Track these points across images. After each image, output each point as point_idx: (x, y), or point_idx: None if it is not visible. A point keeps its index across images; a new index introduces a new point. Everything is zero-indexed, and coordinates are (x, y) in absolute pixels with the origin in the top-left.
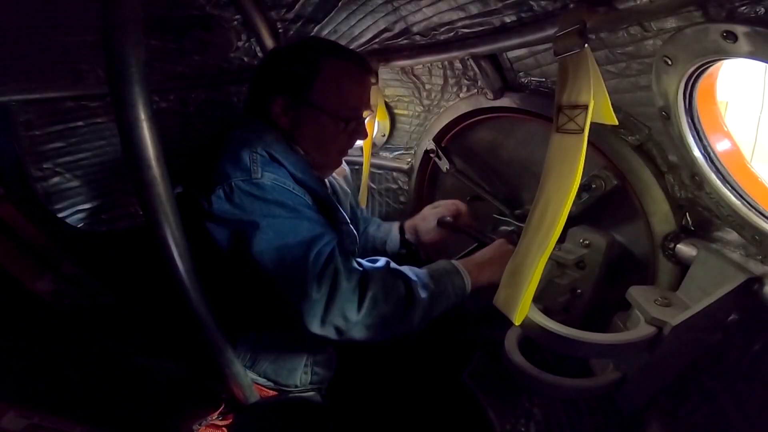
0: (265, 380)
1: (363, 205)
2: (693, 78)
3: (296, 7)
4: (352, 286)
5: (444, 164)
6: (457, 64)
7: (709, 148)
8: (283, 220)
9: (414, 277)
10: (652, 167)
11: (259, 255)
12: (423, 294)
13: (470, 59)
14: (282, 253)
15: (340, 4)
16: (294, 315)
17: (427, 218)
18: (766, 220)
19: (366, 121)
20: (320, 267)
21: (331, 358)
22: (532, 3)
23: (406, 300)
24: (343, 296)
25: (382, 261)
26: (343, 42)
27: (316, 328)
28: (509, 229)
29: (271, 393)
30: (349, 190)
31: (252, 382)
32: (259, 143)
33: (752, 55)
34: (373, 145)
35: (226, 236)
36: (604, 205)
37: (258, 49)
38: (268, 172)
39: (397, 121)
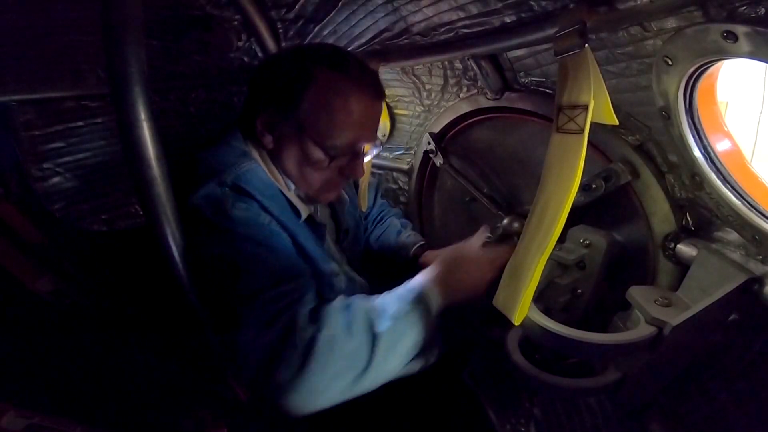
0: None
1: (363, 210)
2: (693, 78)
3: (296, 7)
4: (300, 341)
5: (438, 159)
6: (458, 64)
7: (709, 148)
8: (250, 255)
9: (379, 330)
10: (652, 167)
11: (228, 287)
12: (381, 356)
13: (470, 59)
14: (243, 289)
15: (340, 4)
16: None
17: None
18: (766, 220)
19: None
20: (273, 312)
21: None
22: (532, 3)
23: (359, 365)
24: (285, 353)
25: (347, 311)
26: (343, 42)
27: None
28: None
29: None
30: (347, 197)
31: None
32: (229, 174)
33: (752, 56)
34: None
35: (196, 268)
36: (604, 205)
37: (258, 49)
38: (239, 204)
39: (397, 121)
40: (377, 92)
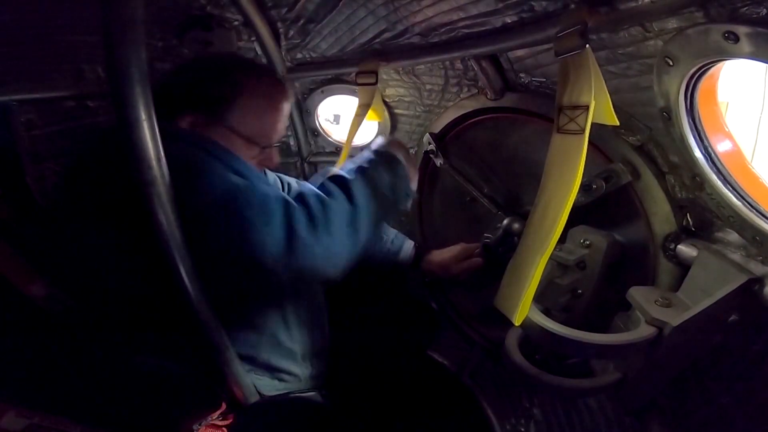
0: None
1: None
2: (694, 79)
3: (297, 7)
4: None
5: (439, 159)
6: (458, 65)
7: (710, 149)
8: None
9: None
10: (653, 168)
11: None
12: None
13: (471, 59)
14: (250, 199)
15: (340, 4)
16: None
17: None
18: (766, 220)
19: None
20: (283, 204)
21: (322, 351)
22: (532, 3)
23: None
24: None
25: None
26: (343, 42)
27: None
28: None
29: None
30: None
31: (252, 382)
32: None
33: (754, 56)
34: None
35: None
36: (604, 205)
37: (258, 49)
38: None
39: (398, 122)
40: (288, 95)
